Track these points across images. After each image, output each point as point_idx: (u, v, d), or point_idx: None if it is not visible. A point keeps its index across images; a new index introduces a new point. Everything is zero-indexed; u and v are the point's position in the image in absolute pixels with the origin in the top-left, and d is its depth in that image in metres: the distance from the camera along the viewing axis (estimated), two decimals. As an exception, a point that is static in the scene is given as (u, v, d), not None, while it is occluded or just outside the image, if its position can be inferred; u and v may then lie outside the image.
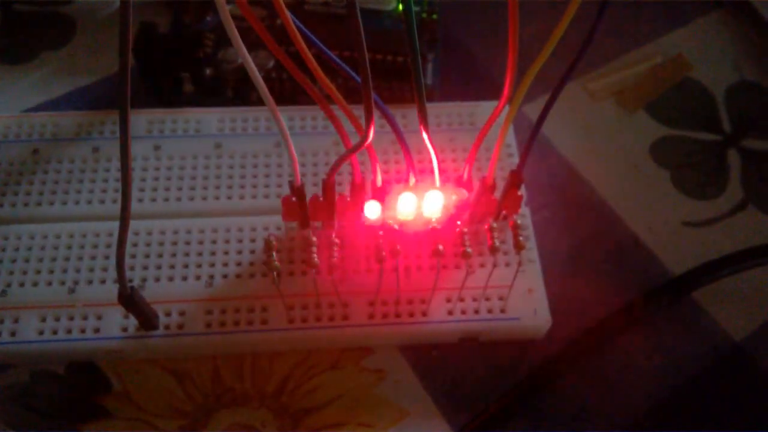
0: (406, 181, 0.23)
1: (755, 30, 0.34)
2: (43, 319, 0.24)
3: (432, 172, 0.23)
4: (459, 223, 0.23)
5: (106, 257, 0.25)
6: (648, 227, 0.28)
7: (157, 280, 0.24)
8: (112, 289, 0.22)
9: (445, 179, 0.23)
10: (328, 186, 0.23)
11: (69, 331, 0.23)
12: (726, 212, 0.28)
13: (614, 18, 0.33)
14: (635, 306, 0.25)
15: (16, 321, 0.23)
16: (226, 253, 0.25)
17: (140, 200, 0.26)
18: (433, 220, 0.23)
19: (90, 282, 0.24)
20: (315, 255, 0.22)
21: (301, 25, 0.18)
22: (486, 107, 0.29)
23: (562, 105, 0.25)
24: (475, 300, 0.24)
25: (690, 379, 0.25)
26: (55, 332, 0.23)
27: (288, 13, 0.17)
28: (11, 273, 0.24)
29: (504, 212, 0.25)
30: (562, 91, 0.20)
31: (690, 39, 0.33)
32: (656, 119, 0.31)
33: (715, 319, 0.26)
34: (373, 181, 0.23)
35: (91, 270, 0.24)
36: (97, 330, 0.23)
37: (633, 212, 0.28)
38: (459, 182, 0.24)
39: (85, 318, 0.24)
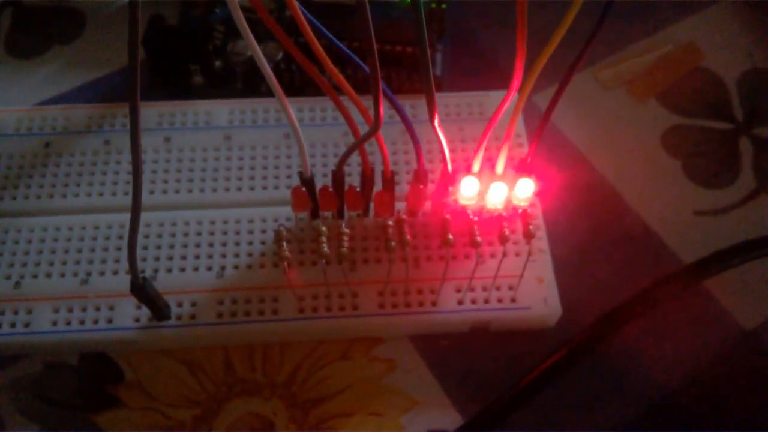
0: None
1: (768, 17, 0.33)
2: (56, 311, 0.24)
3: (441, 161, 0.23)
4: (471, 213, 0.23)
5: (118, 249, 0.25)
6: (659, 216, 0.28)
7: (169, 270, 0.25)
8: (125, 280, 0.22)
9: (456, 168, 0.23)
10: (337, 177, 0.23)
11: (82, 322, 0.24)
12: (738, 201, 0.28)
13: (625, 6, 0.33)
14: (646, 295, 0.25)
15: (29, 312, 0.24)
16: (237, 243, 0.25)
17: (151, 192, 0.26)
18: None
19: (102, 273, 0.24)
20: (325, 245, 0.22)
21: (310, 16, 0.18)
22: (495, 97, 0.29)
23: (572, 94, 0.25)
24: (485, 289, 0.24)
25: (700, 368, 0.25)
26: (68, 323, 0.24)
27: (297, 4, 0.17)
28: (24, 265, 0.25)
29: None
30: (573, 81, 0.20)
31: (701, 27, 0.33)
32: (667, 108, 0.31)
33: (726, 309, 0.26)
34: (385, 171, 0.23)
35: (104, 261, 0.25)
36: (109, 321, 0.24)
37: (644, 201, 0.28)
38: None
39: (97, 309, 0.24)
